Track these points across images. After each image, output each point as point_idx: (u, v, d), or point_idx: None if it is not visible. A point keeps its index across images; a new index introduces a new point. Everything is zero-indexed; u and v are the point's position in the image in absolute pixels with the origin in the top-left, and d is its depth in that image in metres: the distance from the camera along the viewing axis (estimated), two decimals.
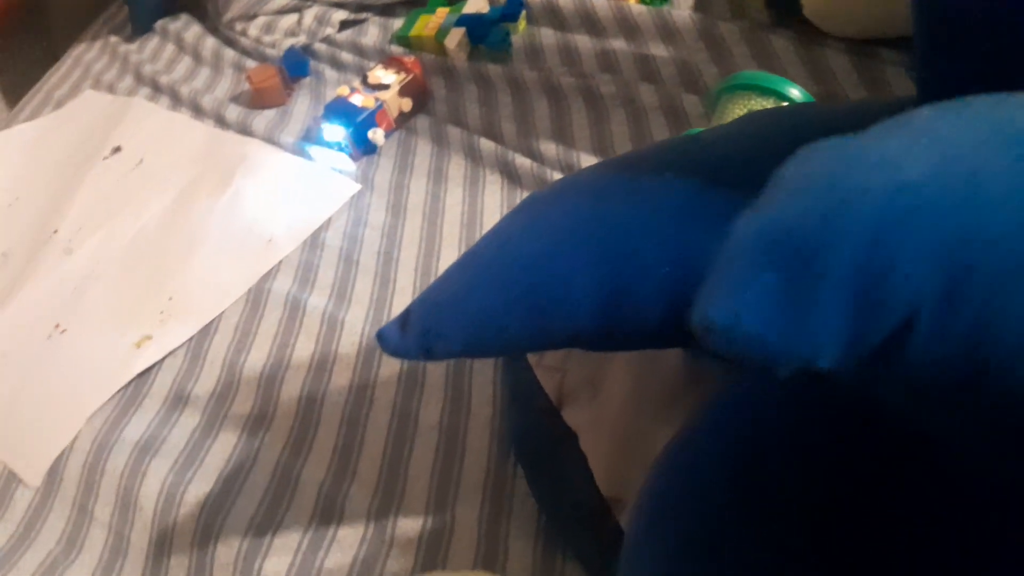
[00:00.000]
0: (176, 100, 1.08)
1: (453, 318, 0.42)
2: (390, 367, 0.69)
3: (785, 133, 0.47)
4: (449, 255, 0.79)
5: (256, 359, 0.73)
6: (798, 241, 0.26)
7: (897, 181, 0.26)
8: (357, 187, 0.87)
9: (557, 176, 0.80)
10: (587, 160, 0.82)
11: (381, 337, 0.45)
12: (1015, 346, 0.23)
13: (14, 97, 1.28)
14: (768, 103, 0.69)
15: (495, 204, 0.82)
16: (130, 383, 0.73)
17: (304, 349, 0.73)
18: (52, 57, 1.29)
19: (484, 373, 0.67)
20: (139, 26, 1.23)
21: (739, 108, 0.70)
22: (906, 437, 0.32)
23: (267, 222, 0.85)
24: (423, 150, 0.91)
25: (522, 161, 0.83)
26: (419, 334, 0.43)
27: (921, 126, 0.29)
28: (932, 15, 0.39)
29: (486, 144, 0.87)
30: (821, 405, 0.36)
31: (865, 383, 0.26)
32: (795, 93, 0.69)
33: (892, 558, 0.31)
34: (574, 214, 0.42)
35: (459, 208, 0.83)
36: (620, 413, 0.52)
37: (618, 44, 0.95)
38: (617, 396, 0.53)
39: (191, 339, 0.76)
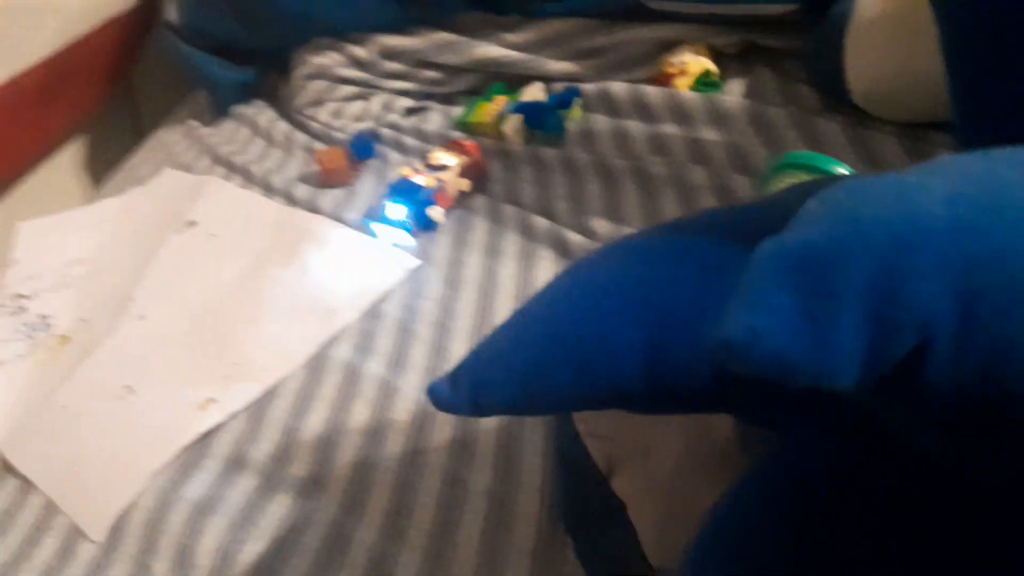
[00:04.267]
0: (249, 179, 1.14)
1: (501, 373, 0.43)
2: (443, 433, 0.71)
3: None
4: None
5: (314, 423, 0.75)
6: (815, 262, 0.27)
7: (912, 209, 0.27)
8: (417, 262, 0.91)
9: None
10: None
11: (432, 393, 0.45)
12: None
13: (103, 177, 1.37)
14: None
15: (547, 277, 0.84)
16: (192, 443, 0.76)
17: (360, 414, 0.75)
18: (139, 140, 1.38)
19: (535, 441, 0.68)
20: (217, 112, 1.32)
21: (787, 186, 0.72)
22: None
23: (330, 293, 0.89)
24: (479, 227, 0.95)
25: (574, 237, 0.86)
26: (469, 389, 0.43)
27: (943, 165, 0.30)
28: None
29: (540, 221, 0.90)
30: (872, 450, 0.36)
31: (887, 406, 0.27)
32: (842, 172, 0.70)
33: None
34: (620, 273, 0.43)
35: (513, 281, 0.86)
36: (670, 479, 0.52)
37: (669, 129, 0.98)
38: (667, 462, 0.53)
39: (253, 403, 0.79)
